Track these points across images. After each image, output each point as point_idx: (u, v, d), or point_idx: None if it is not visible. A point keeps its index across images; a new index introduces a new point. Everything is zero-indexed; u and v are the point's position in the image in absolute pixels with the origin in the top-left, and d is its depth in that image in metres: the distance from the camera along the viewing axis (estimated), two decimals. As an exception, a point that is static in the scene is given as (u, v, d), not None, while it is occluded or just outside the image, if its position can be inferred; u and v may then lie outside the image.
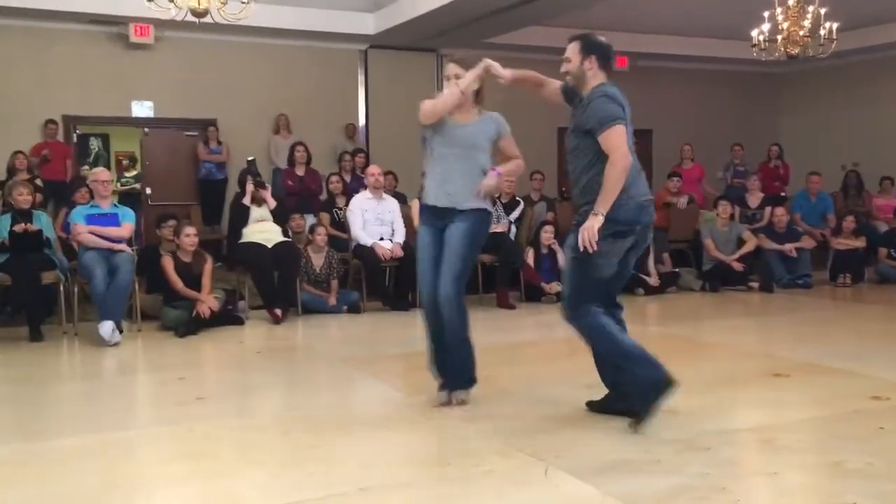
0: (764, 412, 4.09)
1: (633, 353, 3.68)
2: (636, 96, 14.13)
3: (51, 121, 9.80)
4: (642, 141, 13.19)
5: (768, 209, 9.50)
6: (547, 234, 8.12)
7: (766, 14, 8.74)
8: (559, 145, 12.62)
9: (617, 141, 3.53)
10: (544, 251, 8.10)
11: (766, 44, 8.96)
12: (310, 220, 8.26)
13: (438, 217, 4.00)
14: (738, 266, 8.68)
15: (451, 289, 3.87)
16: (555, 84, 4.11)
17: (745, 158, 11.20)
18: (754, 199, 9.90)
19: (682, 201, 9.70)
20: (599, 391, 4.46)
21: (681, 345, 5.96)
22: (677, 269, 8.96)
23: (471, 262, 4.01)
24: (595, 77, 3.69)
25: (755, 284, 8.66)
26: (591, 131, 3.58)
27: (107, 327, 5.92)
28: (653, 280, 8.41)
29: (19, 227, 6.23)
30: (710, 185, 10.90)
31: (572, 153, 3.76)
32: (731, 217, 9.05)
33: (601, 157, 3.57)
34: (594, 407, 3.96)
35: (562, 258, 8.18)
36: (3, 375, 5.48)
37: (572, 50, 3.72)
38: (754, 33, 9.02)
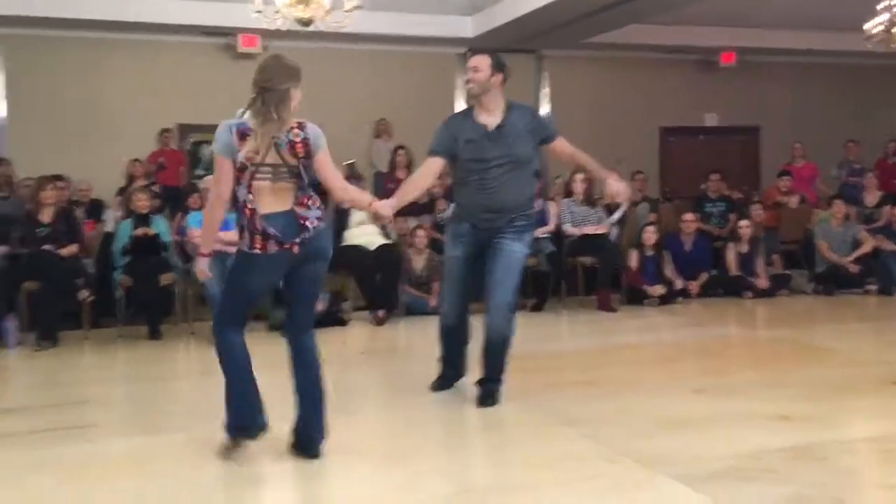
0: (883, 422, 3.90)
1: None
2: (744, 92, 13.71)
3: (166, 129, 10.25)
4: (750, 138, 12.82)
5: (887, 208, 9.02)
6: (649, 235, 7.96)
7: (881, 4, 8.32)
8: (661, 145, 12.38)
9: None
10: (648, 253, 7.95)
11: (883, 34, 8.53)
12: (410, 223, 8.36)
13: None
14: (854, 268, 8.29)
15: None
16: (434, 165, 4.21)
17: (861, 155, 10.68)
18: (871, 197, 9.43)
19: (794, 200, 9.34)
20: (709, 395, 4.37)
21: (792, 349, 5.76)
22: (788, 272, 8.63)
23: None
24: (500, 94, 4.05)
25: (873, 287, 8.25)
26: (547, 138, 4.14)
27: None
28: (762, 282, 8.13)
29: (140, 232, 6.57)
30: (823, 184, 10.46)
31: (520, 168, 4.03)
32: (847, 217, 8.66)
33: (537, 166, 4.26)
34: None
35: (668, 262, 8.03)
36: (125, 372, 5.79)
37: (483, 62, 4.00)
38: (868, 25, 8.59)
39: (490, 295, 4.01)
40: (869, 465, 3.39)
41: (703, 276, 8.23)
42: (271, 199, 3.31)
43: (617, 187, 4.14)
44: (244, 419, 3.43)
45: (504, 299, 3.98)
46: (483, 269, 4.09)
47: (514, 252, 3.97)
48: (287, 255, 3.34)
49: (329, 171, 3.49)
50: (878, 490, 3.05)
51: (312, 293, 3.59)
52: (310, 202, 3.38)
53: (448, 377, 4.47)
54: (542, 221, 7.68)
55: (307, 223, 3.33)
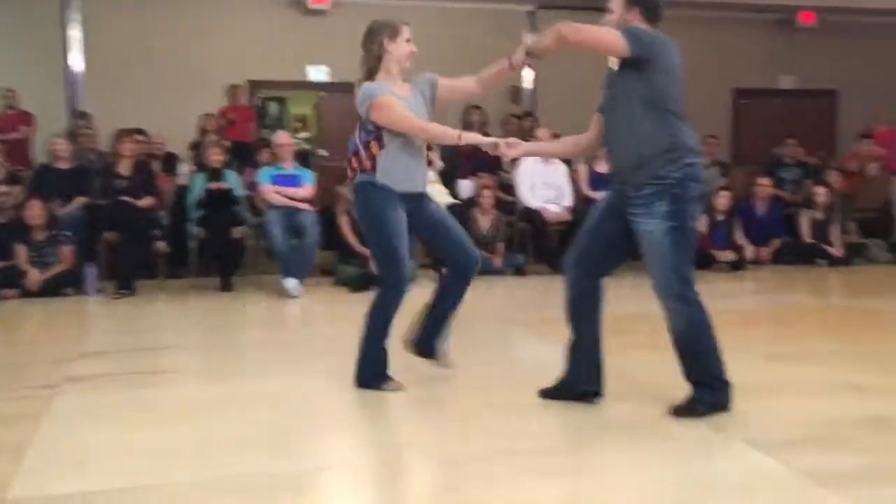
0: (963, 395, 3.79)
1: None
2: (822, 54, 13.16)
3: (235, 85, 10.37)
4: (827, 102, 12.38)
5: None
6: (722, 200, 7.81)
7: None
8: (734, 107, 12.06)
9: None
10: (719, 218, 7.80)
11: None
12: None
13: None
14: (934, 238, 8.03)
15: None
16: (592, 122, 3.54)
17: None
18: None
19: (874, 167, 9.05)
20: (781, 362, 4.29)
21: (866, 319, 5.62)
22: (864, 241, 8.40)
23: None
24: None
25: (953, 258, 8.00)
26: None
27: (291, 282, 6.31)
28: (836, 250, 7.93)
29: (213, 185, 6.71)
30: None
31: (623, 107, 3.24)
32: (928, 185, 8.37)
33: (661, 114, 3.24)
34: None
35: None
36: (197, 322, 5.97)
37: (616, 1, 3.35)
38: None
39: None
40: (950, 437, 3.31)
41: (776, 243, 8.06)
42: None
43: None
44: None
45: (661, 291, 3.24)
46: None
47: (650, 233, 3.20)
48: None
49: (389, 123, 3.58)
50: (959, 463, 2.97)
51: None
52: (355, 163, 3.67)
53: (566, 385, 3.51)
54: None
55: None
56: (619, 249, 3.41)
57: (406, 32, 3.74)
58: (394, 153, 3.61)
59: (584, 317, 3.44)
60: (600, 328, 3.47)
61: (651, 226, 3.18)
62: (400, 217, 3.61)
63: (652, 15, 3.32)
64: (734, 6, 11.26)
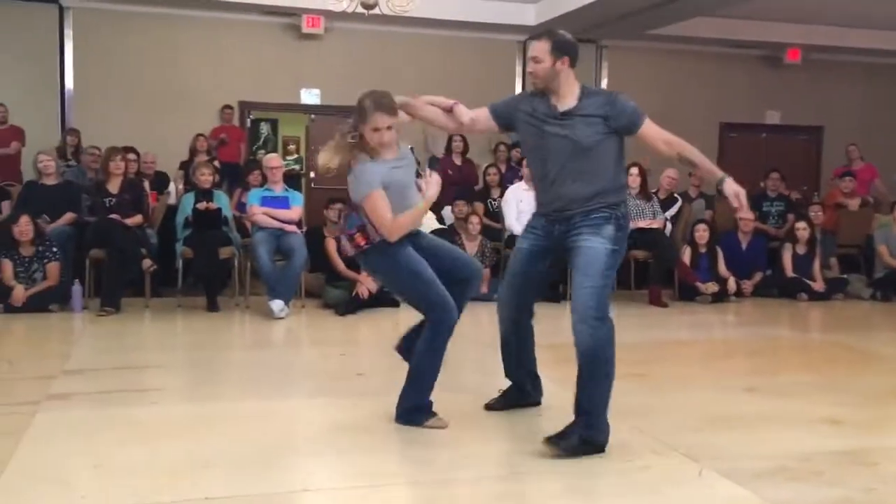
0: (939, 431, 3.85)
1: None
2: (808, 90, 13.37)
3: (227, 106, 10.45)
4: (812, 138, 12.57)
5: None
6: (701, 233, 7.90)
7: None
8: (721, 141, 12.20)
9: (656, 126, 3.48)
10: (702, 250, 7.89)
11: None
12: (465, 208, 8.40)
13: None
14: (914, 275, 8.13)
15: None
16: (479, 112, 3.70)
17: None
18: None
19: (854, 203, 9.17)
20: (759, 395, 4.34)
21: (846, 354, 5.69)
22: (845, 276, 8.49)
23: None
24: (568, 78, 3.46)
25: (933, 296, 8.09)
26: (624, 129, 3.43)
27: (277, 304, 6.33)
28: (818, 285, 8.01)
29: (202, 205, 6.74)
30: (883, 185, 10.23)
31: (582, 157, 3.40)
32: (909, 222, 8.47)
33: (620, 158, 3.50)
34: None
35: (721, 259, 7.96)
36: (183, 341, 5.98)
37: (542, 49, 3.45)
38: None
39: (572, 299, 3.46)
40: (921, 473, 3.36)
41: (758, 276, 8.14)
42: None
43: (736, 188, 3.36)
44: None
45: (581, 309, 3.35)
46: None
47: (592, 248, 3.37)
48: None
49: (372, 220, 3.56)
50: (930, 499, 3.02)
51: None
52: (361, 239, 3.61)
53: (510, 395, 3.99)
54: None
55: None
56: (544, 286, 3.91)
57: (376, 120, 3.44)
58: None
59: (522, 345, 3.85)
60: (533, 349, 3.89)
61: (596, 243, 3.36)
62: (412, 256, 3.55)
63: (575, 62, 3.48)
64: (724, 42, 11.46)
